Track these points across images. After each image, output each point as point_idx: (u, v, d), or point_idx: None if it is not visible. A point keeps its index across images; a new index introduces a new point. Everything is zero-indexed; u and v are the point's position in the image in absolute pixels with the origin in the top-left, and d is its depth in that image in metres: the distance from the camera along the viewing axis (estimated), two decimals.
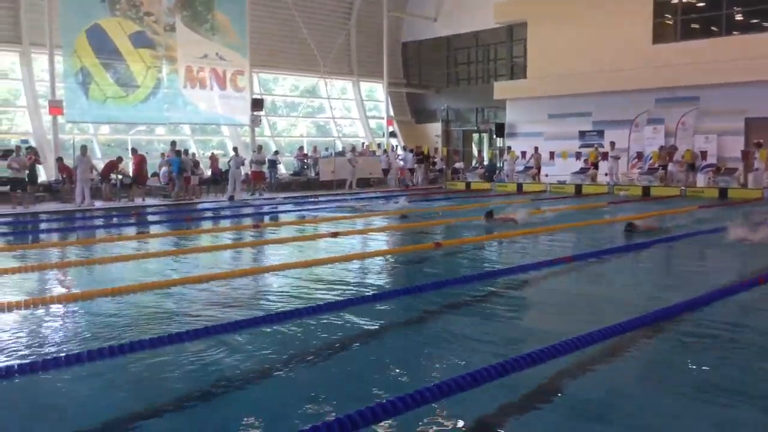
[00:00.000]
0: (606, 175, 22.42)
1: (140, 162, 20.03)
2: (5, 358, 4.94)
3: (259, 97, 25.59)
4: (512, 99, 27.00)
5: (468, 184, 25.03)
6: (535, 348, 4.57)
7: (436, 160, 27.80)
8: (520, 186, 23.42)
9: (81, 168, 18.10)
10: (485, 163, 28.19)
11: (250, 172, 22.28)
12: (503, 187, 23.76)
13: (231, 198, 20.47)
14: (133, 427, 3.82)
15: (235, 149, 21.68)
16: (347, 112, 31.22)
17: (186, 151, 21.37)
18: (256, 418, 3.88)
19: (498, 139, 28.55)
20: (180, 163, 20.22)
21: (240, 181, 21.04)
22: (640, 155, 23.24)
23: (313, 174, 25.07)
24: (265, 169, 22.80)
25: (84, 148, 18.47)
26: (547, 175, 24.24)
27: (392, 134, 29.87)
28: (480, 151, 31.07)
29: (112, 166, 19.69)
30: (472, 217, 14.49)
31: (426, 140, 30.42)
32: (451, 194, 22.41)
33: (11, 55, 21.71)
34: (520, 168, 25.16)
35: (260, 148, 23.11)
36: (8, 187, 17.86)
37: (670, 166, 21.66)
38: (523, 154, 25.35)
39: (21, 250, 10.73)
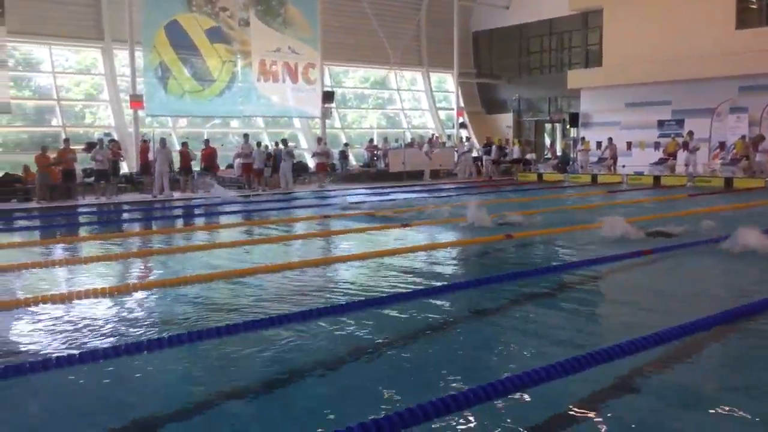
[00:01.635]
0: (686, 165, 21.59)
1: (211, 153, 20.53)
2: (91, 342, 5.14)
3: (329, 89, 25.82)
4: (587, 88, 26.32)
5: (540, 176, 24.58)
6: (615, 341, 4.44)
7: (507, 151, 27.40)
8: (594, 177, 22.83)
9: (160, 160, 18.72)
10: (558, 153, 27.60)
11: (314, 164, 22.56)
12: (577, 179, 23.22)
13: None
14: (212, 412, 3.91)
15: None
16: (417, 103, 31.13)
17: (259, 144, 21.77)
18: (331, 406, 3.91)
19: (572, 129, 27.91)
20: (281, 154, 21.00)
21: (290, 173, 21.19)
22: (722, 145, 22.27)
23: (382, 165, 25.13)
24: (328, 160, 23.00)
25: (163, 141, 19.09)
26: (623, 166, 23.54)
27: (462, 125, 29.62)
28: (552, 142, 30.44)
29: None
30: (544, 208, 14.23)
31: (497, 131, 30.01)
32: (522, 186, 22.06)
33: (94, 51, 22.62)
34: (594, 159, 24.53)
35: (320, 140, 23.31)
36: (93, 178, 18.68)
37: (758, 156, 20.67)
38: (598, 144, 24.69)
39: (104, 239, 11.16)
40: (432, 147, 25.24)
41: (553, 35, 29.71)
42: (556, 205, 15.68)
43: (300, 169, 22.83)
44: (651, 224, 10.42)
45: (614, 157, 23.69)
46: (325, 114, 25.29)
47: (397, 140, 26.62)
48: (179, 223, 13.97)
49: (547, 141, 30.91)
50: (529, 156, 27.07)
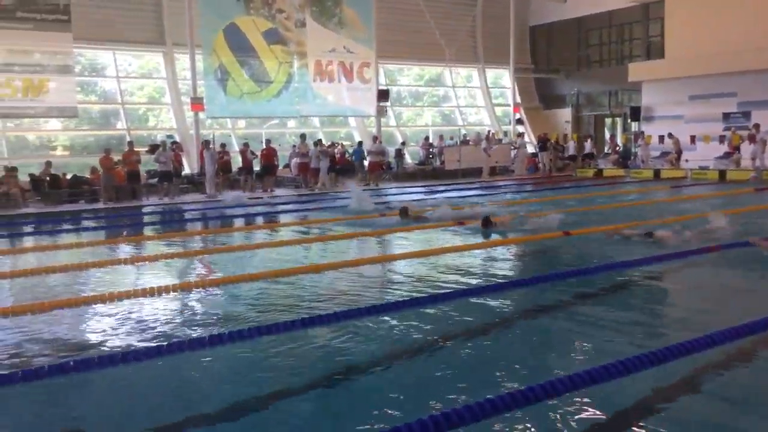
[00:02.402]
0: (752, 159, 20.79)
1: (270, 153, 20.82)
2: (154, 339, 5.29)
3: (384, 87, 25.88)
4: (649, 81, 25.62)
5: (600, 171, 24.06)
6: (680, 339, 4.32)
7: (565, 146, 26.94)
8: (657, 172, 22.21)
9: (208, 161, 19.05)
10: (618, 148, 26.95)
11: (367, 163, 22.64)
12: (638, 174, 22.63)
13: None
14: (271, 408, 3.97)
15: (317, 142, 21.85)
16: (472, 100, 30.89)
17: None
18: (390, 401, 3.91)
19: (633, 123, 27.22)
20: (361, 153, 21.47)
21: (326, 173, 21.20)
22: None
23: (438, 163, 25.04)
24: (384, 159, 23.04)
25: (206, 142, 19.40)
26: (687, 161, 22.82)
27: (519, 121, 29.24)
28: (613, 137, 29.75)
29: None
30: (604, 204, 13.94)
31: (554, 127, 29.52)
32: (581, 182, 21.65)
33: (156, 56, 23.26)
34: (657, 153, 23.85)
35: (375, 138, 23.35)
36: (156, 179, 19.23)
37: None
38: (661, 138, 24.01)
39: (167, 238, 11.47)
40: (490, 144, 25.03)
41: (612, 27, 29.04)
42: (613, 201, 15.34)
43: (347, 169, 22.78)
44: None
45: (678, 152, 22.99)
46: (380, 112, 25.36)
47: (452, 138, 26.48)
48: (238, 222, 14.21)
49: (607, 136, 30.22)
50: (588, 151, 26.51)
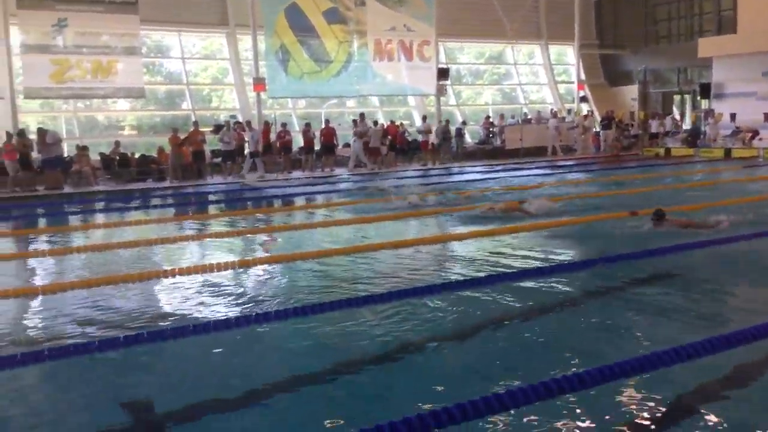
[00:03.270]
0: None
1: (330, 133, 20.93)
2: (223, 312, 5.43)
3: (444, 66, 25.63)
4: (720, 56, 24.56)
5: (667, 150, 23.32)
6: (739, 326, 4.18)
7: (630, 124, 26.16)
8: (728, 151, 21.38)
9: (251, 141, 19.19)
10: (686, 126, 26.04)
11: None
12: (708, 153, 21.85)
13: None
14: (331, 382, 4.03)
15: (354, 121, 21.65)
16: (534, 77, 30.30)
17: (375, 123, 22.00)
18: (443, 381, 3.92)
19: (702, 100, 26.22)
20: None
21: (362, 153, 21.02)
22: None
23: (498, 142, 24.72)
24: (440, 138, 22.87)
25: (249, 123, 19.56)
26: (761, 139, 21.88)
27: (583, 99, 28.54)
28: (681, 114, 28.75)
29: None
30: (671, 185, 13.53)
31: (620, 104, 28.70)
32: (648, 161, 21.05)
33: (220, 37, 23.62)
34: (728, 132, 22.94)
35: (424, 118, 23.17)
36: (220, 158, 19.63)
37: None
38: (733, 116, 23.07)
39: (231, 216, 11.70)
40: (560, 122, 24.47)
41: (682, 1, 27.95)
42: (678, 182, 14.86)
43: (407, 149, 22.70)
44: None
45: (751, 130, 22.05)
46: (440, 91, 25.15)
47: (513, 116, 26.07)
48: (299, 201, 14.36)
49: (676, 113, 29.23)
50: (656, 129, 25.69)
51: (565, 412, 3.38)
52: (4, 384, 4.06)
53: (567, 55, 30.37)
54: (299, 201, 14.18)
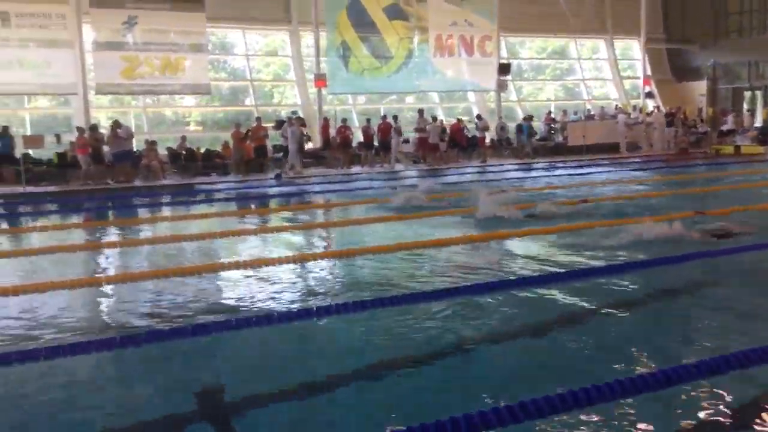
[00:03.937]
0: None
1: (387, 129, 20.97)
2: (282, 304, 5.54)
3: (506, 61, 25.36)
4: None
5: (737, 148, 22.50)
6: None
7: (695, 120, 25.34)
8: None
9: (291, 138, 19.22)
10: (758, 124, 25.06)
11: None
12: None
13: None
14: (384, 378, 4.06)
15: (394, 117, 21.39)
16: (598, 72, 29.67)
17: (434, 118, 21.96)
18: (490, 381, 3.91)
19: None
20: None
21: (398, 150, 20.76)
22: None
23: (560, 139, 24.33)
24: (501, 134, 22.63)
25: (290, 119, 19.65)
26: None
27: (649, 95, 27.80)
28: (752, 111, 27.68)
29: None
30: (742, 184, 13.07)
31: (688, 100, 27.84)
32: (716, 159, 20.37)
33: (282, 34, 23.97)
34: None
35: (479, 117, 22.93)
36: (282, 153, 19.94)
37: None
38: None
39: (291, 210, 11.88)
40: (630, 118, 23.91)
41: None
42: (747, 181, 14.31)
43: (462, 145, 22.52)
44: None
45: None
46: (501, 87, 24.91)
47: (576, 112, 25.61)
48: (358, 194, 14.40)
49: (746, 110, 28.15)
50: (725, 127, 24.82)
51: (625, 415, 3.33)
52: (79, 370, 4.25)
53: (632, 50, 29.63)
54: (355, 196, 14.26)
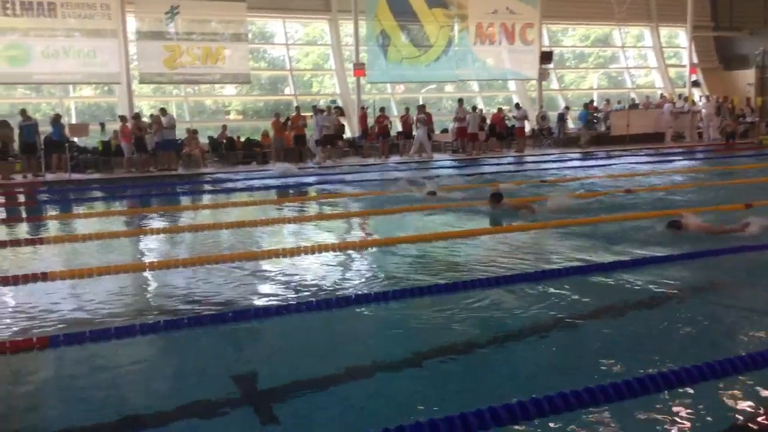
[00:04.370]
0: None
1: (427, 119, 20.82)
2: (320, 292, 5.53)
3: (548, 49, 24.98)
4: None
5: None
6: None
7: (743, 110, 24.62)
8: None
9: (316, 127, 19.16)
10: None
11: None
12: None
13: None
14: (422, 367, 4.02)
15: (418, 107, 21.12)
16: (642, 61, 29.03)
17: (474, 108, 21.77)
18: (538, 372, 3.84)
19: None
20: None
21: (427, 141, 20.38)
22: None
23: (603, 128, 23.90)
24: (542, 124, 22.29)
25: (315, 108, 19.62)
26: None
27: (695, 84, 27.10)
28: None
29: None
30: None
31: (735, 89, 27.08)
32: (764, 150, 19.78)
33: (322, 23, 23.98)
34: None
35: (517, 105, 22.62)
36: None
37: None
38: None
39: (328, 198, 11.86)
40: (676, 107, 23.38)
41: None
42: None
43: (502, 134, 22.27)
44: None
45: None
46: (542, 75, 24.56)
47: (619, 101, 25.12)
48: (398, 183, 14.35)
49: None
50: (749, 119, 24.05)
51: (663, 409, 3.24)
52: (124, 354, 4.31)
53: (678, 38, 28.93)
54: (394, 185, 14.22)
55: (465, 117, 20.88)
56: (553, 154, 20.46)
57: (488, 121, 21.96)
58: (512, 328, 4.59)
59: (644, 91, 26.86)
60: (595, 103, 25.05)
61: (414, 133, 20.43)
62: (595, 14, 26.43)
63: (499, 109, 22.51)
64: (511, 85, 26.32)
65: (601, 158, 18.62)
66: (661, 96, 25.45)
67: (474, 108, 21.76)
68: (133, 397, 3.63)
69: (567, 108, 24.32)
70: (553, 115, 23.72)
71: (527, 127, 22.83)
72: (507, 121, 22.36)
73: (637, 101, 25.33)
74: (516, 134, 22.00)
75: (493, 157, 20.01)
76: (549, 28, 26.63)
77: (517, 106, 22.62)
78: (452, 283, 5.52)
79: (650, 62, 28.78)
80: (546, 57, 24.34)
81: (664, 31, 28.51)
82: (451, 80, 24.85)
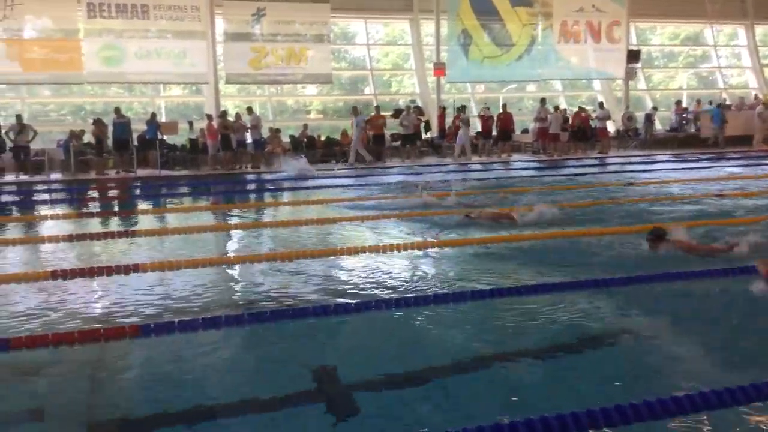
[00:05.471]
0: None
1: (507, 119, 20.54)
2: (399, 290, 5.54)
3: (635, 48, 24.20)
4: None
5: None
6: None
7: None
8: None
9: (356, 129, 18.97)
10: None
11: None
12: None
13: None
14: (494, 370, 3.97)
15: (458, 108, 20.60)
16: (736, 60, 27.70)
17: (556, 108, 21.34)
18: (619, 378, 3.73)
19: None
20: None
21: (468, 142, 19.82)
22: None
23: (692, 130, 22.97)
24: (629, 125, 21.63)
25: (355, 109, 19.46)
26: None
27: None
28: None
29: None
30: None
31: None
32: None
33: (403, 23, 24.04)
34: None
35: (601, 104, 21.93)
36: (399, 142, 20.06)
37: None
38: None
39: (402, 198, 11.82)
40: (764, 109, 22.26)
41: None
42: None
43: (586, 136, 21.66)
44: None
45: None
46: (629, 75, 23.81)
47: (710, 102, 24.06)
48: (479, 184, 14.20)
49: None
50: None
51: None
52: (209, 343, 4.46)
53: None
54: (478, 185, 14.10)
55: (547, 117, 20.49)
56: (639, 155, 19.82)
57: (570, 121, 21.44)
58: (597, 331, 4.47)
59: (737, 92, 25.62)
60: (684, 104, 24.11)
61: (459, 134, 19.99)
62: (686, 12, 25.35)
63: (580, 108, 21.97)
64: (596, 84, 25.64)
65: (689, 161, 17.89)
66: (756, 97, 24.22)
67: (556, 108, 21.32)
68: (216, 385, 3.75)
69: (654, 108, 23.49)
70: (639, 116, 22.95)
71: (611, 128, 22.19)
72: (591, 122, 21.76)
73: (728, 102, 24.19)
74: (599, 135, 21.40)
75: (574, 158, 19.56)
76: (637, 26, 25.79)
77: (601, 105, 22.02)
78: (535, 285, 5.44)
79: (744, 62, 27.41)
80: (633, 56, 23.58)
81: (760, 29, 27.10)
82: (533, 80, 24.44)
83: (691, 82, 27.38)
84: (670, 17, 26.02)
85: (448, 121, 20.98)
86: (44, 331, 4.57)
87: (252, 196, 13.74)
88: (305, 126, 20.40)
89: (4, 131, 16.90)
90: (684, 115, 23.54)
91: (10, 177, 16.90)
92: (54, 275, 6.11)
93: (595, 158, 19.85)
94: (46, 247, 7.90)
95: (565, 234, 7.76)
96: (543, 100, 21.30)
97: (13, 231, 9.31)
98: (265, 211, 11.01)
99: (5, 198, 14.34)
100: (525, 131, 22.31)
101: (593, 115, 21.71)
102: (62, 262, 6.84)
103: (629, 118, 22.52)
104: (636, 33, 25.76)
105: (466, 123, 19.95)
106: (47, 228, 9.40)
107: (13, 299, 5.52)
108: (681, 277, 5.67)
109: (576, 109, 22.15)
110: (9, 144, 16.90)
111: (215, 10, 20.34)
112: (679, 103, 24.32)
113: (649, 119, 22.59)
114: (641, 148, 21.71)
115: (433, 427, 3.15)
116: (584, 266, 6.20)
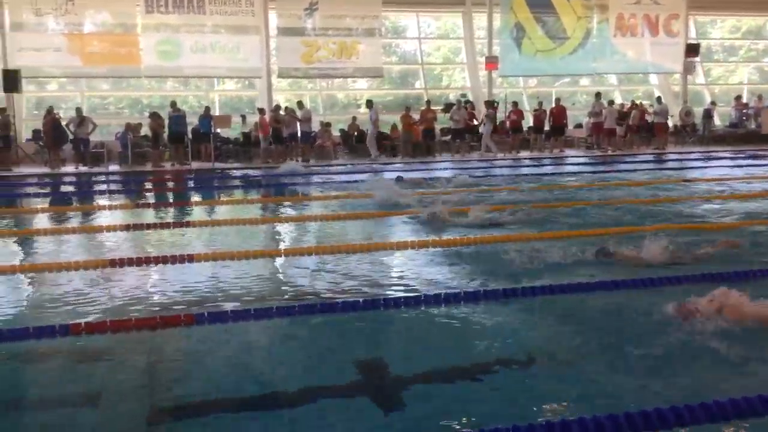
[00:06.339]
0: None
1: (560, 113, 20.23)
2: (451, 287, 5.52)
3: (694, 41, 23.53)
4: None
5: None
6: None
7: None
8: None
9: (371, 123, 18.86)
10: None
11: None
12: None
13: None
14: (524, 373, 3.91)
15: (485, 102, 20.17)
16: None
17: (611, 102, 20.91)
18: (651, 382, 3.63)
19: None
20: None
21: (489, 137, 19.37)
22: None
23: (753, 126, 22.22)
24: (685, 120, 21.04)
25: (369, 102, 19.28)
26: None
27: None
28: None
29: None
30: None
31: None
32: None
33: (454, 17, 23.89)
34: None
35: (659, 99, 21.32)
36: (449, 137, 19.97)
37: None
38: None
39: (449, 194, 11.73)
40: None
41: None
42: None
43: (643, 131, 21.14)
44: None
45: None
46: (688, 69, 23.17)
47: None
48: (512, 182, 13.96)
49: None
50: None
51: None
52: (260, 334, 4.53)
53: None
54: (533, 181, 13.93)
55: (601, 111, 20.08)
56: (696, 152, 19.28)
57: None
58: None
59: None
60: (744, 99, 23.34)
61: (481, 131, 19.78)
62: (747, 4, 24.53)
63: (637, 104, 21.47)
64: (653, 78, 25.03)
65: (747, 157, 17.30)
66: None
67: (611, 102, 20.89)
68: (265, 375, 3.79)
69: (713, 103, 22.82)
70: (698, 111, 22.31)
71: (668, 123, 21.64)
72: (647, 117, 21.25)
73: None
74: (656, 131, 20.85)
75: (632, 154, 19.13)
76: (696, 19, 25.06)
77: (659, 100, 21.48)
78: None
79: None
80: (692, 50, 22.94)
81: None
82: (588, 73, 24.00)
83: (753, 77, 26.48)
84: (730, 10, 25.22)
85: (500, 116, 20.75)
86: (102, 317, 4.71)
87: (301, 189, 13.78)
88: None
89: (64, 123, 17.45)
90: (744, 111, 22.79)
91: (70, 168, 17.46)
92: (112, 263, 6.29)
93: (652, 154, 19.37)
94: (104, 237, 8.13)
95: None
96: (598, 94, 20.90)
97: (74, 220, 9.62)
98: (312, 205, 11.07)
99: (66, 188, 14.84)
100: (578, 126, 21.94)
101: (650, 110, 21.19)
102: (120, 251, 7.04)
103: (687, 113, 21.92)
104: (695, 26, 25.05)
105: (491, 119, 19.62)
106: (105, 218, 9.67)
107: (73, 286, 5.70)
108: None
109: (629, 104, 21.70)
110: (70, 136, 17.46)
111: (269, 4, 20.58)
112: (739, 98, 23.57)
113: (707, 114, 21.96)
114: (699, 144, 21.11)
115: (477, 422, 3.13)
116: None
